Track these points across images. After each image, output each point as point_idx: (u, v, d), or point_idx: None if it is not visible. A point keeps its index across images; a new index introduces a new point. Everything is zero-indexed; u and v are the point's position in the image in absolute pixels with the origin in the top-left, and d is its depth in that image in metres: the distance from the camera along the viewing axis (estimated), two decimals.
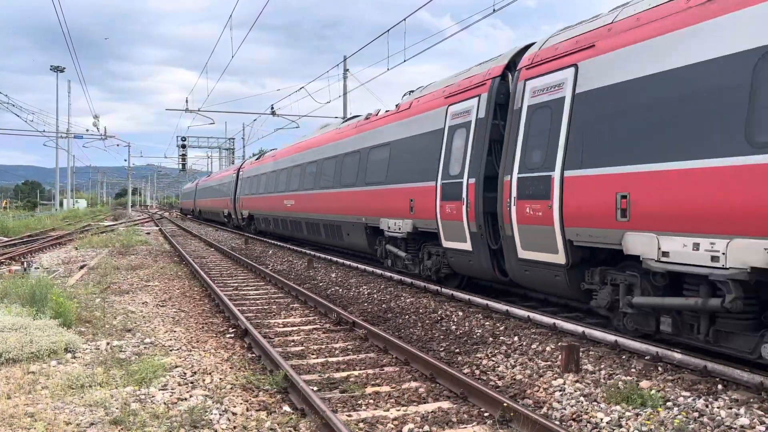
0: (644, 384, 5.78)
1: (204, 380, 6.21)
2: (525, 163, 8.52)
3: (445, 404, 5.65)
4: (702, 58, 6.09)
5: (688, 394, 5.48)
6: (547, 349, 7.19)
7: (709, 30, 6.04)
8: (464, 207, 10.17)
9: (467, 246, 10.28)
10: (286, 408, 5.51)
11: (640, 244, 6.65)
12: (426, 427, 5.07)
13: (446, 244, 10.92)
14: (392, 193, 12.96)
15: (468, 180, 10.12)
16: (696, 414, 5.08)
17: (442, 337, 8.33)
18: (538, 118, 8.41)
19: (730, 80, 5.76)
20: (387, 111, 14.51)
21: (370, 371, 6.72)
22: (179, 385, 6.02)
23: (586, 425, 5.05)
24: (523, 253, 8.65)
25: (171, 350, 7.42)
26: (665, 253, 6.37)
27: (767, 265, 5.32)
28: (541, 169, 8.16)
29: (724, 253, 5.68)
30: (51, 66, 57.38)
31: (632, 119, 6.86)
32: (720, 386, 5.64)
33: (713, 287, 5.95)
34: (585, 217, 7.44)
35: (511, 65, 9.81)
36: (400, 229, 12.53)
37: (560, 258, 7.89)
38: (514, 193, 8.69)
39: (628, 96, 6.95)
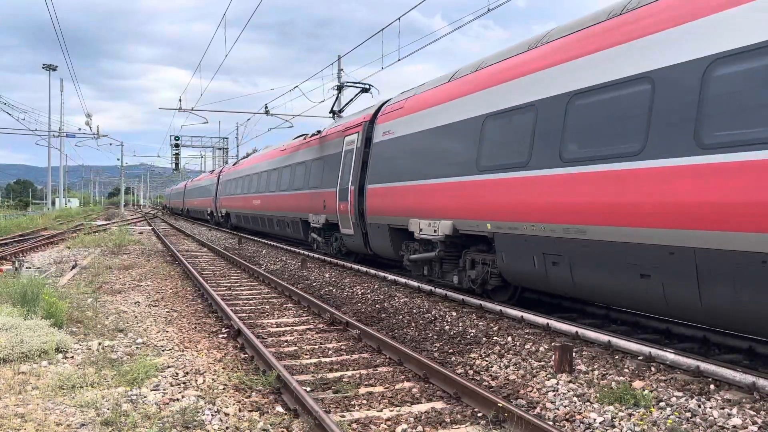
0: (637, 384, 5.79)
1: (196, 381, 6.18)
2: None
3: (439, 404, 5.65)
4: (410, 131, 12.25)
5: (680, 394, 5.49)
6: (541, 349, 7.19)
7: (420, 117, 11.89)
8: (350, 206, 14.75)
9: (352, 231, 14.94)
10: (279, 408, 5.48)
11: (412, 224, 11.66)
12: (419, 428, 5.06)
13: (342, 231, 15.68)
14: (313, 196, 17.86)
15: (350, 187, 14.78)
16: (689, 414, 5.09)
17: (435, 337, 8.32)
18: (384, 149, 13.37)
19: (423, 143, 11.61)
20: (313, 134, 19.31)
21: (364, 371, 6.71)
22: (171, 385, 5.99)
23: (579, 425, 5.05)
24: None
25: (163, 350, 7.39)
26: (421, 229, 11.30)
27: (451, 232, 10.24)
28: (387, 181, 13.11)
29: (436, 229, 10.67)
30: (43, 64, 57.06)
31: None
32: (712, 386, 5.66)
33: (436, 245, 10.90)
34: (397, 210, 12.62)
35: (377, 114, 14.48)
36: (319, 222, 17.39)
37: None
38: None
39: (415, 140, 11.97)
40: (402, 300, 10.74)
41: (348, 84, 20.73)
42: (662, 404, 5.31)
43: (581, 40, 7.90)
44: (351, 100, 20.66)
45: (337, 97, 22.14)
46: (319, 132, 18.73)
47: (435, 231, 10.71)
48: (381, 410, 5.50)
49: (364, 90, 19.27)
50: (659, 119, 6.45)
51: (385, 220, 13.05)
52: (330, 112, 21.67)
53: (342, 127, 16.42)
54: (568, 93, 7.79)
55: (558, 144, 7.86)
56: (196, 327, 9.02)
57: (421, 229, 11.27)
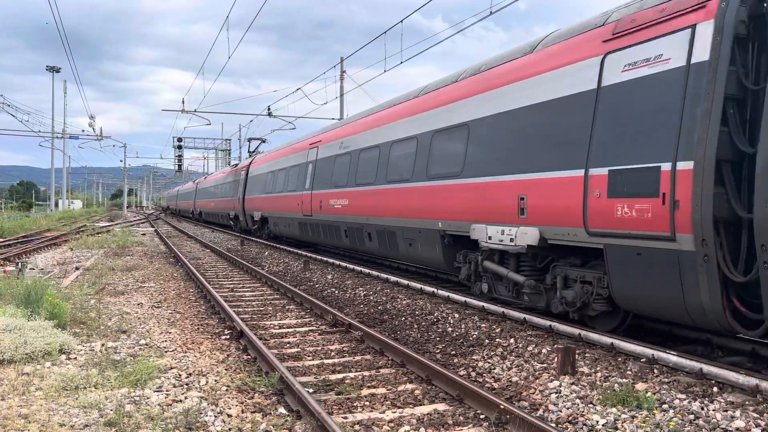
0: (640, 386, 5.78)
1: (199, 382, 6.19)
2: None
3: (441, 406, 5.65)
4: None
5: (683, 396, 5.48)
6: (543, 351, 7.19)
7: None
8: (240, 205, 23.31)
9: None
10: (282, 410, 5.49)
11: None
12: (422, 430, 5.06)
13: (240, 219, 23.78)
14: (230, 201, 26.07)
15: (239, 197, 24.60)
16: (691, 416, 5.08)
17: (438, 339, 8.32)
18: (249, 180, 25.37)
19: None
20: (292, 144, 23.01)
21: (366, 373, 6.71)
22: (174, 386, 6.00)
23: (581, 427, 5.05)
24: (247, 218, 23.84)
25: (166, 352, 7.40)
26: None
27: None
28: (247, 194, 23.03)
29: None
30: (47, 66, 57.25)
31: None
32: (715, 389, 5.65)
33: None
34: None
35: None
36: (233, 214, 24.08)
37: (257, 217, 21.73)
38: (245, 200, 25.77)
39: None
40: (404, 301, 10.74)
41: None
42: (665, 406, 5.30)
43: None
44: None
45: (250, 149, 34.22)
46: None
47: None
48: (383, 412, 5.50)
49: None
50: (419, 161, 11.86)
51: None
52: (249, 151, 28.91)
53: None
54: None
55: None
56: (198, 328, 9.03)
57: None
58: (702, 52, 6.13)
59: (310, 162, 19.25)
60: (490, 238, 9.28)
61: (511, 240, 8.71)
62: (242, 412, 5.38)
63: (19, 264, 13.70)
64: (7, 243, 24.38)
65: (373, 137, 14.42)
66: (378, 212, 13.50)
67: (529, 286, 8.58)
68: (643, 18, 6.97)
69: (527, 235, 8.36)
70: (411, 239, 12.08)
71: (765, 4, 6.06)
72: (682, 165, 6.13)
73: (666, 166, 6.28)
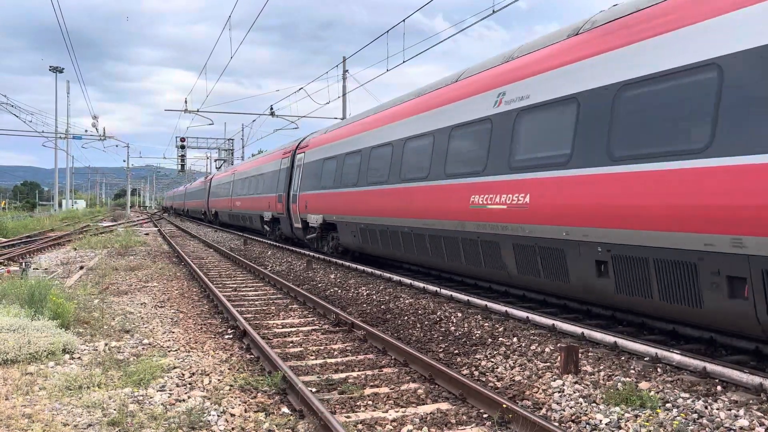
0: (643, 385, 5.77)
1: (202, 381, 6.20)
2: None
3: (444, 405, 5.64)
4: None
5: (687, 395, 5.47)
6: (546, 350, 7.18)
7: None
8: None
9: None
10: (285, 409, 5.49)
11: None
12: (425, 429, 5.06)
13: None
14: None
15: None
16: (695, 415, 5.07)
17: (441, 338, 8.31)
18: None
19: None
20: (269, 151, 26.58)
21: (369, 372, 6.71)
22: (177, 386, 6.01)
23: (585, 426, 5.04)
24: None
25: (169, 351, 7.41)
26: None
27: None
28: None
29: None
30: (50, 66, 57.39)
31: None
32: (719, 387, 5.63)
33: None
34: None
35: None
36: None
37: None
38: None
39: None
40: (407, 301, 10.73)
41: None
42: (668, 405, 5.29)
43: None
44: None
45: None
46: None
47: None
48: (386, 411, 5.50)
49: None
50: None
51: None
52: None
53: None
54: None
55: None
56: (202, 328, 9.04)
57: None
58: None
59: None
60: (264, 217, 22.65)
61: (269, 216, 23.44)
62: (245, 411, 5.39)
63: (23, 264, 13.72)
64: (11, 243, 24.44)
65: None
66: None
67: (269, 230, 21.60)
68: None
69: (269, 215, 21.77)
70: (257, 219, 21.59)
71: None
72: None
73: None
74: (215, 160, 65.75)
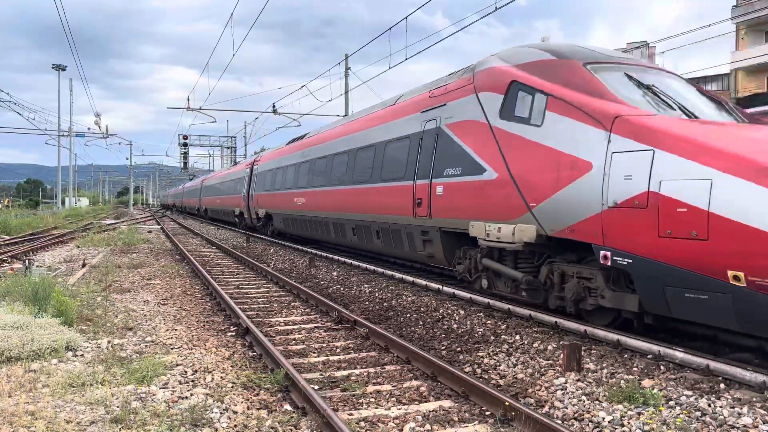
0: (646, 383, 5.76)
1: (205, 379, 6.20)
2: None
3: (447, 403, 5.64)
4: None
5: (690, 393, 5.46)
6: (549, 347, 7.17)
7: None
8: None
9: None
10: (287, 407, 5.50)
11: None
12: (427, 426, 5.06)
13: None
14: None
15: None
16: (698, 413, 5.06)
17: (443, 335, 8.31)
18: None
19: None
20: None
21: (372, 370, 6.71)
22: (180, 383, 6.02)
23: (587, 424, 5.03)
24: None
25: (172, 349, 7.42)
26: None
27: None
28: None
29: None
30: (53, 64, 57.40)
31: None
32: (722, 385, 5.62)
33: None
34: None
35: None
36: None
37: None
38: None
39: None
40: (410, 298, 10.73)
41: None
42: (671, 403, 5.28)
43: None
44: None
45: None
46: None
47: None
48: (389, 409, 5.50)
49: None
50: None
51: None
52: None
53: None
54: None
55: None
56: (204, 325, 9.05)
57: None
58: None
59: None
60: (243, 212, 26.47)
61: (236, 211, 28.72)
62: (248, 408, 5.39)
63: (27, 261, 13.75)
64: (14, 241, 24.50)
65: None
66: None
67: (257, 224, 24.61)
68: None
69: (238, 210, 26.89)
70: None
71: None
72: None
73: None
74: (225, 155, 65.81)
